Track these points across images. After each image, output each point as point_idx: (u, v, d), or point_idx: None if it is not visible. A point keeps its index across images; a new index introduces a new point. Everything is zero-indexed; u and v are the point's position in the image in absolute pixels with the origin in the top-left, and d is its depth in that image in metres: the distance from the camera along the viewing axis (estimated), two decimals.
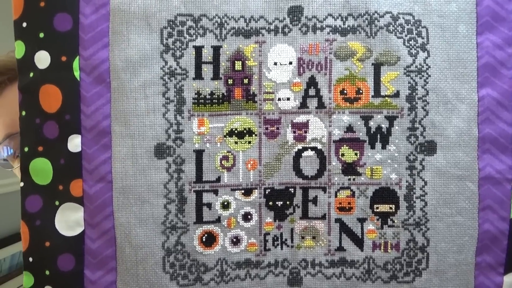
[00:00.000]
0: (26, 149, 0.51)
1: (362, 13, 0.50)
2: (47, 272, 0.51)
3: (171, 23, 0.50)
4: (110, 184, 0.50)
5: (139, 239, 0.50)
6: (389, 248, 0.52)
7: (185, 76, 0.50)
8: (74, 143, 0.50)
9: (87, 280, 0.50)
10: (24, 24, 0.50)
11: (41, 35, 0.50)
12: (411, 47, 0.50)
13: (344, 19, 0.50)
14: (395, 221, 0.51)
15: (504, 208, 0.51)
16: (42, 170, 0.50)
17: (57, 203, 0.51)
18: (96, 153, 0.50)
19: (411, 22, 0.51)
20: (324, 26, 0.50)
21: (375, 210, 0.52)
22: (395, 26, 0.50)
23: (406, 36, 0.50)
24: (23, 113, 0.51)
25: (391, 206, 0.51)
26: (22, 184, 0.51)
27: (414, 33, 0.50)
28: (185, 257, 0.51)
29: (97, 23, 0.50)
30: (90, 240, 0.50)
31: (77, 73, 0.50)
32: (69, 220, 0.50)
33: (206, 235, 0.51)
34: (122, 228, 0.50)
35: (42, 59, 0.50)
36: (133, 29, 0.50)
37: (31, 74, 0.50)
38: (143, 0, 0.49)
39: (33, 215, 0.51)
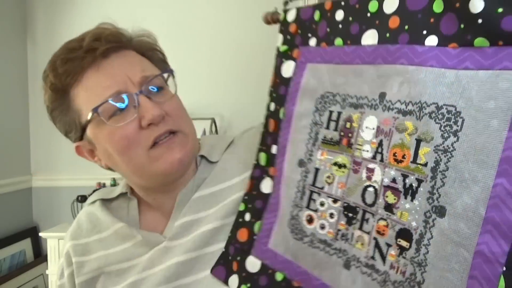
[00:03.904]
0: None
1: (416, 102, 0.70)
2: None
3: (322, 95, 0.89)
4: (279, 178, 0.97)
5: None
6: (399, 272, 0.70)
7: (321, 126, 0.89)
8: None
9: None
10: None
11: None
12: (445, 131, 0.65)
13: (406, 104, 0.72)
14: (406, 255, 0.69)
15: (491, 286, 0.57)
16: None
17: None
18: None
19: (452, 112, 0.65)
20: (393, 107, 0.74)
21: (397, 242, 0.71)
22: (437, 114, 0.66)
23: (444, 122, 0.65)
24: None
25: (407, 243, 0.69)
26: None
27: (451, 121, 0.65)
28: (297, 223, 0.91)
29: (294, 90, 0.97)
30: None
31: None
32: None
33: (309, 216, 0.89)
34: None
35: None
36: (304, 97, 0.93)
37: None
38: (317, 82, 0.91)
39: None
